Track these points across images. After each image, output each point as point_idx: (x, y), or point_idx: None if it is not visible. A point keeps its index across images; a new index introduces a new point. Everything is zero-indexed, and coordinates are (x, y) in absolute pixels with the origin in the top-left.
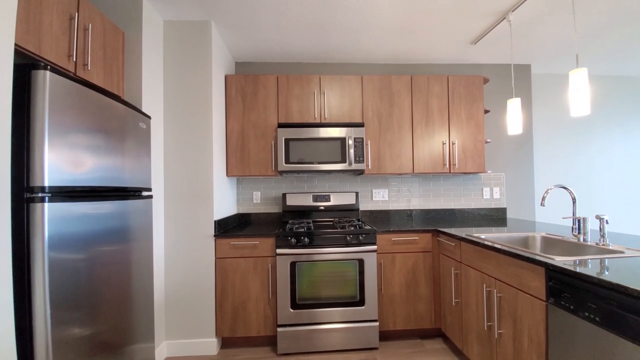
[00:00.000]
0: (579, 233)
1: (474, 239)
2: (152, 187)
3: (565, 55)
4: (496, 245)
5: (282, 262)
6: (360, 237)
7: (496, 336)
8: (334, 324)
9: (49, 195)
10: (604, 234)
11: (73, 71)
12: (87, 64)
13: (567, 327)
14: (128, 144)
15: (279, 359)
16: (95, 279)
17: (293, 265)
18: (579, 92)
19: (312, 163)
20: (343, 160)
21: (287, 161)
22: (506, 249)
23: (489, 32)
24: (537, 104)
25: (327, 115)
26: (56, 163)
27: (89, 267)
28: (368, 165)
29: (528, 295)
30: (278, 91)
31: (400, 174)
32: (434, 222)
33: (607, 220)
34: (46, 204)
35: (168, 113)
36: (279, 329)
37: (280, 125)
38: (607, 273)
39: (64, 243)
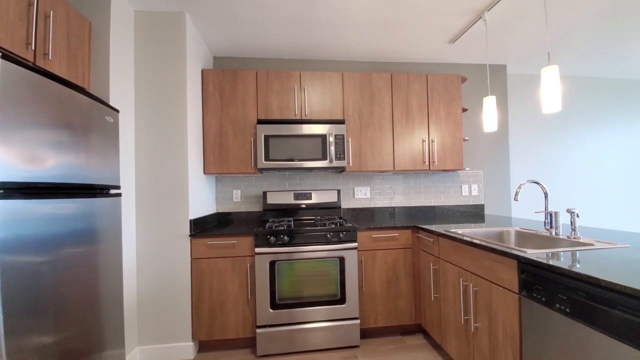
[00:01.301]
0: (551, 227)
1: (450, 234)
2: (121, 184)
3: (538, 56)
4: (471, 240)
5: (261, 261)
6: (341, 235)
7: (472, 330)
8: (314, 323)
9: (0, 192)
10: (574, 227)
11: (32, 60)
12: (48, 54)
13: (540, 319)
14: (93, 139)
15: None
16: (58, 284)
17: (272, 264)
18: (551, 88)
19: (292, 160)
20: (324, 158)
21: (267, 158)
22: (480, 242)
23: (466, 31)
24: (512, 103)
25: (307, 111)
26: (8, 158)
27: (50, 270)
28: (349, 163)
29: (502, 288)
30: (257, 87)
31: (381, 172)
32: (415, 219)
33: (577, 214)
34: None
35: (140, 107)
36: (258, 330)
37: (260, 122)
38: (578, 265)
39: (20, 245)
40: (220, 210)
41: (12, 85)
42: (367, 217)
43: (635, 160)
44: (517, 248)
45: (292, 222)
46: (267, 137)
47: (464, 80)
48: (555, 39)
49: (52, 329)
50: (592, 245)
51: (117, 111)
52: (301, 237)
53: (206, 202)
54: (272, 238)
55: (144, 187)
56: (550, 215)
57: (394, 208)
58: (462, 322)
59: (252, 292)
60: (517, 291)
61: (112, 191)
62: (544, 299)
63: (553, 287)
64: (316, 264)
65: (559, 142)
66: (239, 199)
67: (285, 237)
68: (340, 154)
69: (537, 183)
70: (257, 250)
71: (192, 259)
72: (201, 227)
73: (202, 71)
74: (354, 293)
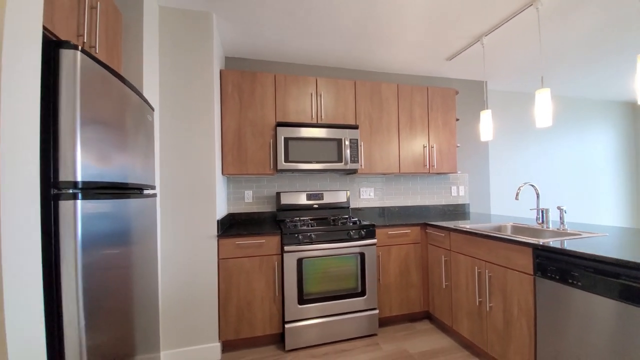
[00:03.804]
0: (542, 222)
1: (465, 229)
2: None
3: (514, 76)
4: (487, 233)
5: (290, 259)
6: (362, 232)
7: (487, 309)
8: (338, 315)
9: (81, 191)
10: (563, 221)
11: None
12: (95, 46)
13: (552, 293)
14: (141, 138)
15: (287, 355)
16: (114, 284)
17: (300, 261)
18: (543, 107)
19: (310, 162)
20: (339, 160)
21: (287, 160)
22: (497, 235)
23: (463, 51)
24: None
25: (323, 116)
26: (86, 157)
27: (111, 269)
28: (361, 165)
29: (517, 272)
30: (276, 90)
31: (387, 174)
32: (413, 217)
33: (565, 210)
34: (79, 202)
35: (164, 105)
36: (286, 326)
37: (279, 124)
38: (582, 249)
39: (95, 244)
40: (232, 211)
41: (88, 81)
42: (372, 215)
43: (586, 166)
44: (532, 238)
45: (312, 221)
46: (287, 140)
47: (457, 93)
48: (530, 62)
49: (107, 329)
50: (580, 235)
51: (153, 109)
52: (326, 235)
53: (221, 203)
54: (299, 236)
55: (169, 187)
56: (542, 211)
57: (395, 207)
58: (477, 304)
59: (279, 289)
60: (532, 273)
61: (151, 191)
62: (558, 277)
63: (565, 267)
64: (340, 260)
65: (528, 150)
66: (250, 199)
67: (313, 235)
68: (355, 157)
69: (532, 186)
70: (286, 248)
71: (219, 259)
72: (222, 228)
73: (221, 72)
74: (372, 286)
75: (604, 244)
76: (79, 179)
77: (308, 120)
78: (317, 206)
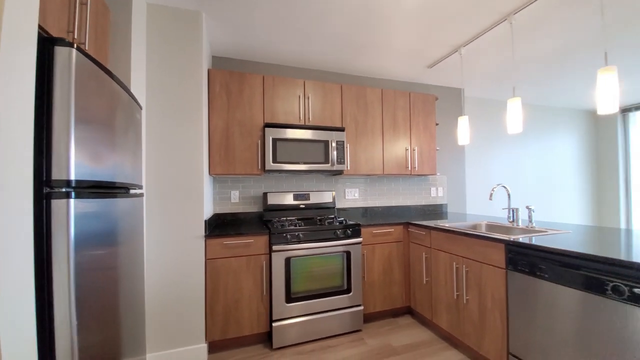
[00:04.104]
0: (513, 220)
1: (445, 227)
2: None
3: (489, 84)
4: (465, 231)
5: (278, 258)
6: (348, 231)
7: (464, 302)
8: (324, 312)
9: (75, 190)
10: (531, 220)
11: None
12: (85, 43)
13: (522, 285)
14: (130, 137)
15: (274, 353)
16: (103, 284)
17: (288, 260)
18: (514, 115)
19: (298, 163)
20: (326, 161)
21: (275, 160)
22: (474, 232)
23: (442, 60)
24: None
25: (310, 118)
26: (80, 155)
27: (100, 270)
28: (347, 167)
29: (491, 267)
30: (264, 91)
31: (372, 175)
32: (395, 217)
33: (533, 210)
34: (72, 200)
35: (152, 104)
36: (274, 324)
37: (268, 125)
38: (548, 245)
39: (86, 244)
40: (218, 212)
41: (82, 79)
42: (357, 215)
43: (552, 169)
44: (504, 235)
45: (300, 221)
46: (275, 140)
47: (436, 99)
48: (503, 72)
49: (97, 330)
50: (546, 232)
51: (141, 108)
52: (313, 235)
53: (208, 203)
54: (288, 236)
55: (155, 186)
56: (513, 210)
57: (378, 207)
58: (455, 297)
59: (267, 288)
60: (505, 267)
61: (138, 191)
62: (527, 270)
63: (534, 260)
64: (326, 259)
65: (501, 154)
66: (237, 200)
67: (300, 235)
68: (341, 159)
69: (504, 187)
70: (274, 247)
71: (206, 259)
72: (209, 228)
73: (209, 71)
74: (357, 283)
75: (568, 240)
76: (73, 177)
77: (296, 122)
78: (303, 206)
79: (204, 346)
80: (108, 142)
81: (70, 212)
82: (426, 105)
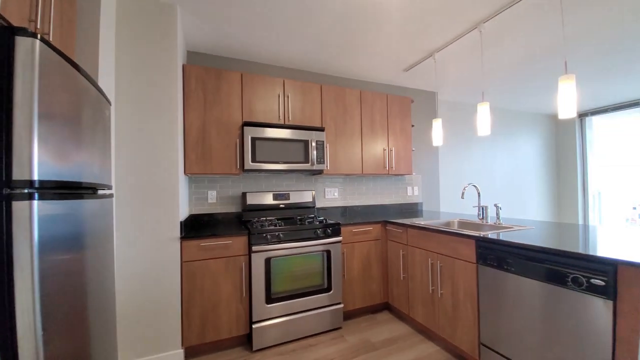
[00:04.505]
0: (482, 217)
1: (420, 225)
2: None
3: (460, 88)
4: (438, 228)
5: (258, 259)
6: (328, 230)
7: (439, 296)
8: (305, 312)
9: (38, 191)
10: (499, 216)
11: None
12: (49, 33)
13: (491, 278)
14: (98, 134)
15: (254, 355)
16: (70, 291)
17: (268, 261)
18: (483, 118)
19: (278, 162)
20: (306, 161)
21: (254, 160)
22: (447, 229)
23: (418, 64)
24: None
25: (290, 117)
26: (43, 154)
27: (67, 275)
28: (327, 166)
29: (463, 262)
30: (242, 89)
31: (351, 174)
32: (374, 215)
33: (500, 207)
34: (35, 202)
35: (122, 100)
36: (254, 326)
37: (247, 124)
38: (514, 240)
39: (51, 248)
40: (194, 212)
41: (47, 72)
42: (336, 214)
43: (517, 169)
44: (475, 232)
45: (280, 221)
46: (254, 139)
47: (412, 102)
48: (474, 77)
49: (65, 340)
50: (512, 228)
51: (110, 103)
52: (294, 234)
53: (183, 204)
54: (268, 236)
55: (126, 187)
56: (482, 208)
57: (358, 206)
58: (430, 292)
59: (246, 290)
60: (475, 262)
61: (107, 191)
62: (495, 264)
63: (500, 255)
64: (307, 258)
65: (472, 155)
66: (214, 200)
67: (281, 235)
68: (321, 158)
69: (474, 186)
70: (254, 248)
71: (182, 262)
72: (186, 230)
73: (184, 66)
74: (338, 281)
75: (532, 235)
76: (36, 177)
77: (275, 121)
78: (283, 206)
79: (180, 352)
80: (74, 140)
81: (33, 214)
82: (402, 108)
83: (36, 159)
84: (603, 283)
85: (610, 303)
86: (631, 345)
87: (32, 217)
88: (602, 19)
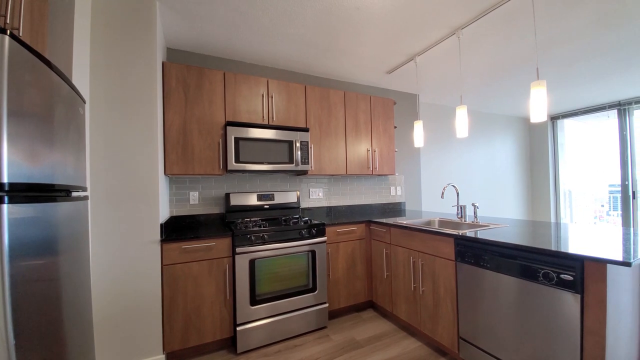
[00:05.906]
0: (461, 216)
1: (403, 224)
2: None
3: (440, 91)
4: (420, 227)
5: (242, 260)
6: (313, 231)
7: (420, 293)
8: (290, 312)
9: (8, 194)
10: (476, 215)
11: None
12: (19, 28)
13: (469, 275)
14: (72, 134)
15: (239, 357)
16: (44, 297)
17: (252, 262)
18: (461, 121)
19: (262, 163)
20: (290, 162)
21: (237, 160)
22: (428, 228)
23: (400, 67)
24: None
25: (274, 117)
26: (14, 155)
27: (41, 281)
28: (311, 167)
29: (443, 259)
30: (225, 88)
31: (335, 175)
32: (358, 215)
33: (477, 206)
34: (5, 206)
35: (97, 98)
36: (238, 328)
37: (230, 124)
38: (490, 237)
39: (23, 254)
40: (175, 214)
41: (17, 70)
42: (321, 215)
43: (492, 169)
44: (453, 230)
45: (265, 222)
46: (237, 139)
47: (395, 103)
48: (453, 81)
49: (39, 348)
50: (488, 226)
51: (85, 102)
52: (278, 235)
53: (164, 205)
54: (252, 237)
55: (102, 188)
56: (461, 207)
57: (342, 206)
58: (412, 289)
59: (230, 292)
60: (454, 259)
61: (82, 193)
62: (473, 261)
63: (478, 252)
64: (292, 259)
65: (451, 156)
66: (196, 201)
67: (265, 236)
68: (305, 159)
69: (454, 186)
70: (238, 250)
71: (163, 265)
72: (166, 232)
73: (164, 64)
74: (322, 281)
75: (506, 233)
76: (5, 180)
77: (259, 121)
78: (267, 207)
79: (161, 357)
80: (46, 140)
81: (3, 218)
82: (386, 109)
83: (5, 160)
84: (571, 278)
85: (578, 297)
86: (598, 336)
87: (2, 222)
88: (571, 29)
